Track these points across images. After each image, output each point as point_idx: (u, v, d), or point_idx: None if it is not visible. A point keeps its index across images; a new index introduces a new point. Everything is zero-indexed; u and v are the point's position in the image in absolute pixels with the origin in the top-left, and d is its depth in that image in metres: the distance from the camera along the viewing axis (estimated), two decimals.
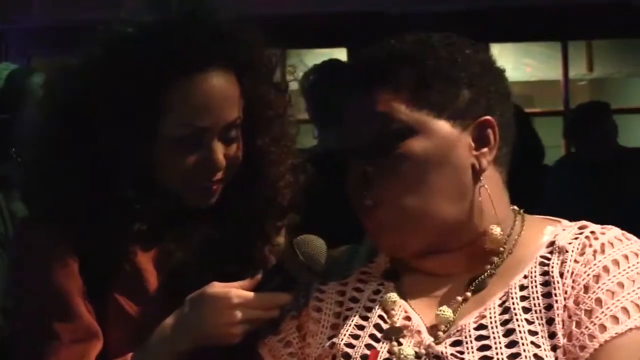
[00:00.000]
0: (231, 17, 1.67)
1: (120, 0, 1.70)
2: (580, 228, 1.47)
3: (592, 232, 1.45)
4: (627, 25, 6.73)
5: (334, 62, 3.80)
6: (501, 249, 1.47)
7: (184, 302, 1.57)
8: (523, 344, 1.36)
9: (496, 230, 1.47)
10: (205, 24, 1.63)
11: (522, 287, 1.42)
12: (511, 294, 1.42)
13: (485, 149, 1.46)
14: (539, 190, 4.38)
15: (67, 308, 1.60)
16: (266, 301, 1.54)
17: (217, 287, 1.55)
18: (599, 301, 1.36)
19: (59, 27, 4.16)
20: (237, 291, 1.53)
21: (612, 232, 1.45)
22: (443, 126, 1.45)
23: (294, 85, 1.83)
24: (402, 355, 1.41)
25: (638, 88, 8.79)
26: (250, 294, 1.54)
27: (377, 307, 1.50)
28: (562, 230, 1.48)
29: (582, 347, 1.34)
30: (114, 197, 1.62)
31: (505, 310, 1.40)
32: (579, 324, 1.36)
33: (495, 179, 1.49)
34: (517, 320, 1.38)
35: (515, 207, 1.54)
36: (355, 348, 1.45)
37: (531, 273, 1.43)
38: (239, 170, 1.67)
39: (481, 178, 1.46)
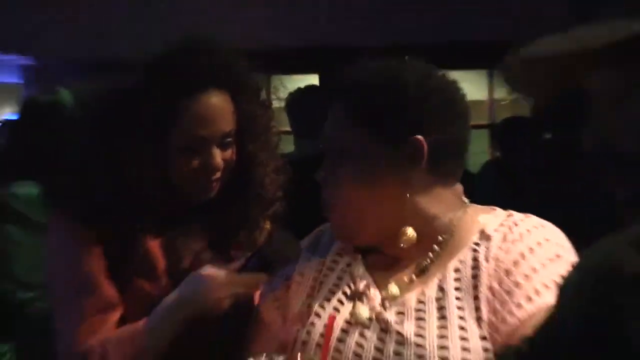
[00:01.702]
0: (226, 50, 1.65)
1: (135, 39, 1.68)
2: (507, 217, 1.45)
3: (514, 222, 1.42)
4: None
5: (309, 87, 3.79)
6: (440, 237, 1.45)
7: (184, 281, 1.57)
8: (450, 316, 1.35)
9: (408, 232, 1.43)
10: (205, 56, 1.61)
11: (456, 270, 1.40)
12: (447, 276, 1.40)
13: (413, 164, 1.40)
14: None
15: (93, 284, 1.58)
16: (247, 281, 1.55)
17: (210, 270, 1.56)
18: (516, 284, 1.34)
19: (83, 61, 4.12)
20: (225, 272, 1.55)
21: (530, 221, 1.43)
22: (376, 145, 1.40)
23: (277, 103, 1.83)
24: (358, 315, 1.41)
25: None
26: (235, 275, 1.55)
27: (347, 276, 1.49)
28: (493, 218, 1.45)
29: (504, 321, 1.33)
30: (133, 196, 1.60)
31: (441, 290, 1.39)
32: (502, 303, 1.34)
33: (430, 185, 1.43)
34: (448, 297, 1.37)
35: (465, 200, 1.50)
36: (326, 309, 1.45)
37: (465, 258, 1.41)
38: (232, 170, 1.66)
39: (409, 187, 1.41)
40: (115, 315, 1.59)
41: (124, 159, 1.58)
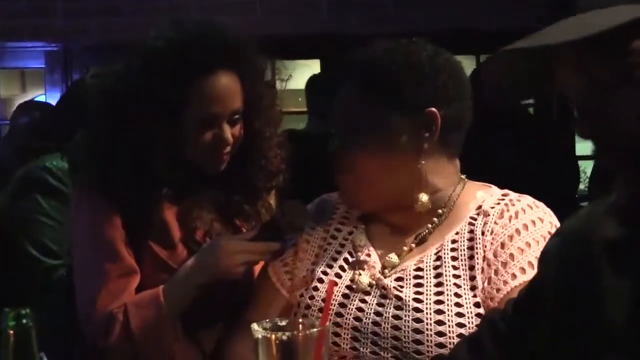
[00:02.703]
0: (233, 35, 1.63)
1: (155, 25, 1.67)
2: (503, 195, 1.43)
3: (510, 200, 1.40)
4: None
5: (324, 75, 3.84)
6: (440, 211, 1.43)
7: (201, 249, 1.57)
8: (447, 283, 1.34)
9: (423, 197, 1.41)
10: (214, 39, 1.59)
11: (454, 241, 1.39)
12: (444, 246, 1.39)
13: (427, 134, 1.39)
14: None
15: (113, 251, 1.57)
16: (260, 249, 1.54)
17: (225, 238, 1.57)
18: (511, 256, 1.33)
19: (110, 45, 4.10)
20: (239, 241, 1.55)
21: (525, 200, 1.41)
22: (393, 116, 1.39)
23: (279, 85, 1.81)
24: (359, 282, 1.40)
25: None
26: (249, 243, 1.54)
27: (349, 244, 1.48)
28: (490, 196, 1.43)
29: (498, 290, 1.32)
30: (149, 169, 1.59)
31: (438, 259, 1.38)
32: (496, 272, 1.33)
33: (438, 156, 1.42)
34: (445, 266, 1.36)
35: (463, 176, 1.48)
36: (328, 275, 1.44)
37: (462, 230, 1.39)
38: (240, 145, 1.65)
39: (422, 156, 1.40)
40: (135, 282, 1.58)
41: (141, 135, 1.57)
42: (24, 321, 0.99)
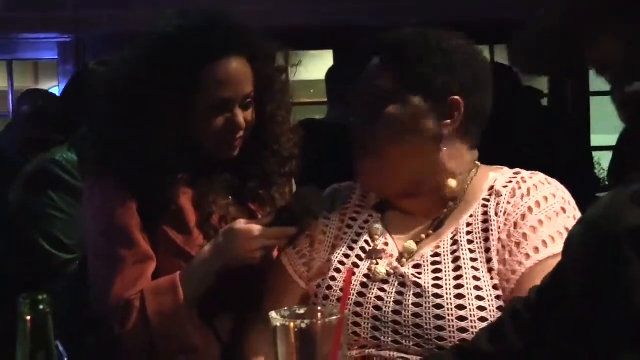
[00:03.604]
0: (241, 20, 1.63)
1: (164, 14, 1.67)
2: (515, 174, 1.43)
3: (522, 178, 1.40)
4: None
5: (342, 65, 3.84)
6: (455, 195, 1.43)
7: (218, 234, 1.57)
8: (465, 267, 1.33)
9: (452, 183, 1.42)
10: (223, 24, 1.59)
11: (468, 224, 1.38)
12: (460, 230, 1.38)
13: (449, 121, 1.39)
14: None
15: (129, 238, 1.56)
16: (277, 234, 1.54)
17: (242, 224, 1.56)
18: (524, 235, 1.33)
19: (122, 35, 4.10)
20: (256, 226, 1.54)
21: (537, 177, 1.41)
22: (417, 100, 1.39)
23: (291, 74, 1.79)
24: (376, 272, 1.39)
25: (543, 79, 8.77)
26: (266, 228, 1.54)
27: (365, 233, 1.47)
28: (501, 176, 1.43)
29: (513, 271, 1.31)
30: (163, 154, 1.58)
31: (455, 242, 1.37)
32: (511, 253, 1.32)
33: (459, 144, 1.42)
34: (462, 249, 1.35)
35: (477, 162, 1.47)
36: (346, 265, 1.43)
37: (475, 212, 1.39)
38: (253, 130, 1.64)
39: (443, 142, 1.40)
40: (151, 268, 1.57)
41: (153, 121, 1.56)
42: (41, 307, 0.98)
